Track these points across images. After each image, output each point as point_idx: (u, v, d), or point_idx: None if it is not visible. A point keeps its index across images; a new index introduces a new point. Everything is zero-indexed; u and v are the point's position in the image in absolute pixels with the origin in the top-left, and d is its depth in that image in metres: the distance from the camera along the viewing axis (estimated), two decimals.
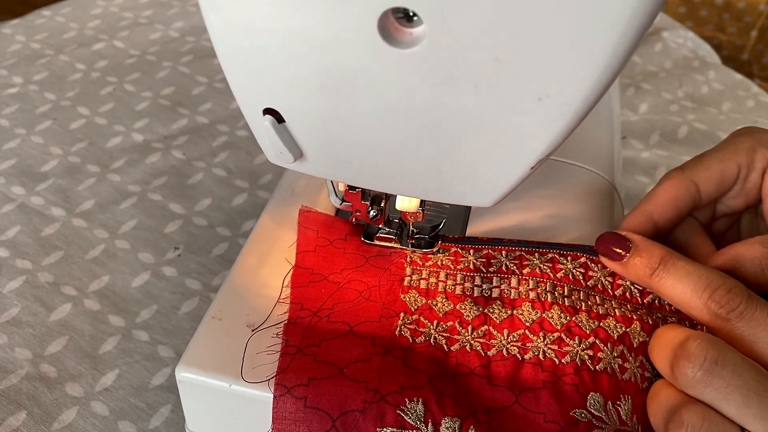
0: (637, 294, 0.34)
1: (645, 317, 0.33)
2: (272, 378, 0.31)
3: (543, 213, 0.41)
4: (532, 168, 0.28)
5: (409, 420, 0.30)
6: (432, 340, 0.33)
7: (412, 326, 0.34)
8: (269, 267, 0.37)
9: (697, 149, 0.65)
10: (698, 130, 0.68)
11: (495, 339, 0.33)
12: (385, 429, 0.30)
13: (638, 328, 0.33)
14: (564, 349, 0.32)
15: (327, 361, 0.32)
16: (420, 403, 0.30)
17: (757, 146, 0.35)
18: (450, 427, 0.30)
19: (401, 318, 0.34)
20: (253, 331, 0.34)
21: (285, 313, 0.35)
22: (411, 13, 0.23)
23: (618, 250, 0.33)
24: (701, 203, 0.36)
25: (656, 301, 0.34)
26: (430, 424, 0.30)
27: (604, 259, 0.34)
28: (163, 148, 0.61)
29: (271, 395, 0.31)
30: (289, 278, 0.36)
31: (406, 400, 0.30)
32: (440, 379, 0.31)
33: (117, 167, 0.58)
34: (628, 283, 0.35)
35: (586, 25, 0.22)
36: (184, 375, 0.33)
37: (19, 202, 0.54)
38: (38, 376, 0.43)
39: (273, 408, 0.30)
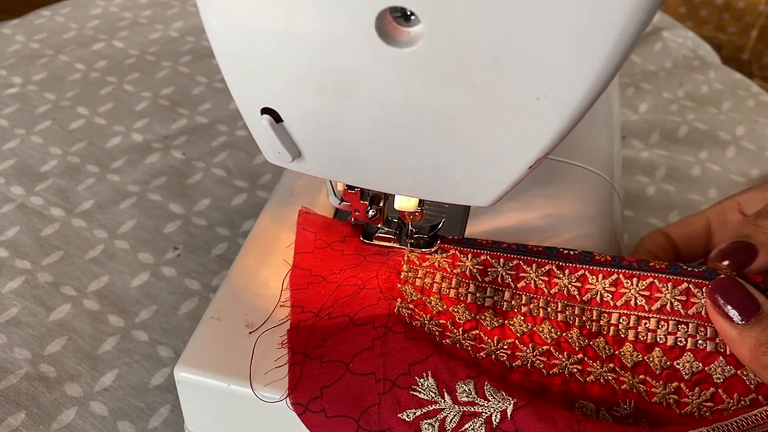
0: (643, 302, 0.33)
1: (644, 333, 0.33)
2: (286, 397, 0.31)
3: (542, 212, 0.41)
4: (530, 167, 0.28)
5: (424, 397, 0.30)
6: (426, 329, 0.33)
7: (408, 311, 0.34)
8: (268, 267, 0.37)
9: (697, 149, 0.65)
10: (698, 130, 0.68)
11: (485, 344, 0.33)
12: (405, 413, 0.30)
13: (630, 349, 0.32)
14: (552, 362, 0.32)
15: (333, 360, 0.32)
16: (430, 377, 0.30)
17: (725, 199, 0.39)
18: (465, 390, 0.30)
19: (399, 302, 0.34)
20: (250, 333, 0.34)
21: (286, 317, 0.34)
22: (409, 13, 0.23)
23: (733, 312, 0.30)
24: (679, 252, 0.39)
25: (666, 306, 0.33)
26: (446, 395, 0.30)
27: (711, 311, 0.31)
28: (163, 148, 0.61)
29: (272, 396, 0.31)
30: (288, 280, 0.36)
31: (416, 378, 0.30)
32: (443, 347, 0.32)
33: (116, 167, 0.58)
34: (632, 292, 0.34)
35: (584, 25, 0.22)
36: (182, 375, 0.33)
37: (19, 202, 0.54)
38: (37, 376, 0.43)
39: (303, 423, 0.31)
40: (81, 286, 0.48)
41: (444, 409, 0.30)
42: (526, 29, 0.22)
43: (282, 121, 0.29)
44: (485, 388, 0.30)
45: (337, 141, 0.29)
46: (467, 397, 0.30)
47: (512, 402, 0.29)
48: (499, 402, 0.29)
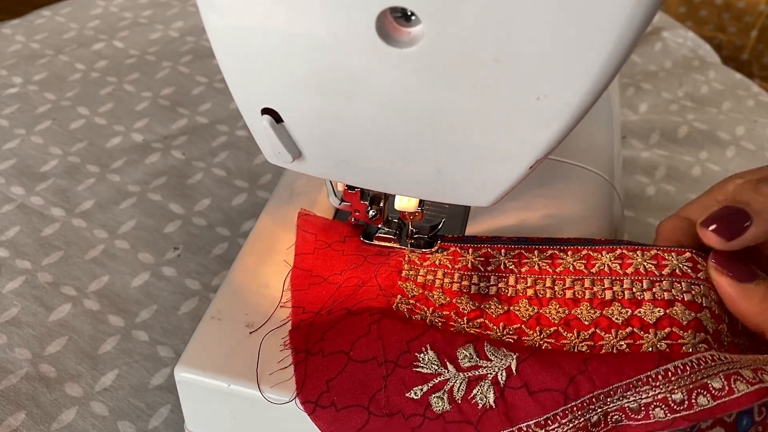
0: (653, 268, 0.33)
1: (660, 294, 0.32)
2: (295, 398, 0.31)
3: (542, 213, 0.41)
4: (530, 167, 0.28)
5: (428, 371, 0.30)
6: (428, 321, 0.33)
7: (408, 306, 0.33)
8: (268, 267, 0.37)
9: (697, 149, 0.65)
10: (698, 130, 0.68)
11: (490, 330, 0.33)
12: (412, 391, 0.30)
13: (650, 307, 0.32)
14: (561, 342, 0.32)
15: (333, 351, 0.32)
16: (429, 350, 0.30)
17: (727, 179, 0.37)
18: (467, 355, 0.30)
19: (398, 298, 0.34)
20: (251, 333, 0.34)
21: (288, 317, 0.34)
22: (409, 13, 0.23)
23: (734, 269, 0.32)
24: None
25: (676, 270, 0.33)
26: (448, 364, 0.30)
27: (716, 274, 0.32)
28: (163, 148, 0.61)
29: (279, 398, 0.31)
30: (288, 281, 0.36)
31: (416, 354, 0.30)
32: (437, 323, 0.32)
33: (117, 167, 0.58)
34: (639, 260, 0.34)
35: (584, 25, 0.22)
36: (183, 375, 0.33)
37: (19, 202, 0.54)
38: (38, 376, 0.43)
39: (314, 422, 0.31)
40: (81, 286, 0.48)
41: (449, 379, 0.29)
42: (526, 29, 0.22)
43: (282, 121, 0.29)
44: (485, 348, 0.29)
45: (337, 141, 0.29)
46: (469, 361, 0.29)
47: (515, 356, 0.29)
48: (501, 359, 0.29)
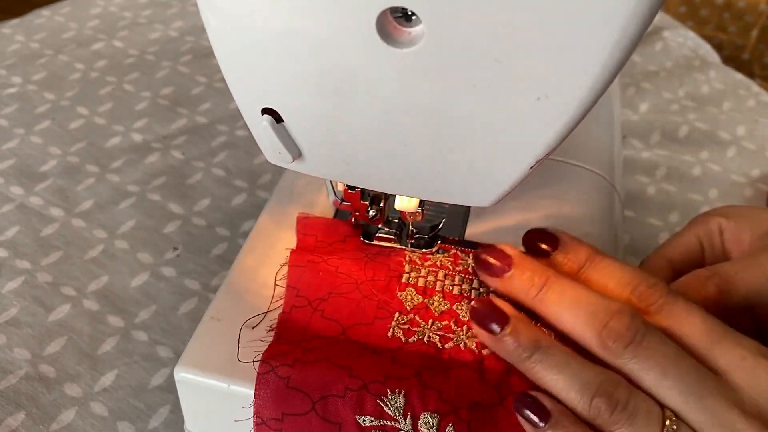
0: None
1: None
2: (259, 359, 0.31)
3: (543, 213, 0.41)
4: (531, 168, 0.28)
5: (388, 411, 0.30)
6: (426, 338, 0.33)
7: (405, 326, 0.33)
8: (268, 267, 0.37)
9: (697, 149, 0.65)
10: (699, 130, 0.68)
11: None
12: (363, 417, 0.30)
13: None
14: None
15: (314, 347, 0.32)
16: (402, 395, 0.30)
17: (710, 215, 0.39)
18: (428, 422, 0.30)
19: (395, 318, 0.34)
20: (249, 327, 0.34)
21: (279, 307, 0.34)
22: (410, 13, 0.23)
23: (496, 262, 0.33)
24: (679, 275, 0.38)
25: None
26: (408, 417, 0.30)
27: (482, 275, 0.33)
28: (162, 148, 0.61)
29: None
30: (282, 273, 0.36)
31: (388, 390, 0.30)
32: (428, 372, 0.31)
33: (116, 167, 0.58)
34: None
35: (584, 25, 0.22)
36: (182, 375, 0.33)
37: (18, 202, 0.54)
38: (37, 376, 0.42)
39: (256, 385, 0.31)
40: (81, 286, 0.48)
41: (401, 430, 0.30)
42: (527, 29, 0.22)
43: (283, 121, 0.29)
44: (447, 429, 0.30)
45: (337, 141, 0.29)
46: (427, 430, 0.30)
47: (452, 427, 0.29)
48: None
